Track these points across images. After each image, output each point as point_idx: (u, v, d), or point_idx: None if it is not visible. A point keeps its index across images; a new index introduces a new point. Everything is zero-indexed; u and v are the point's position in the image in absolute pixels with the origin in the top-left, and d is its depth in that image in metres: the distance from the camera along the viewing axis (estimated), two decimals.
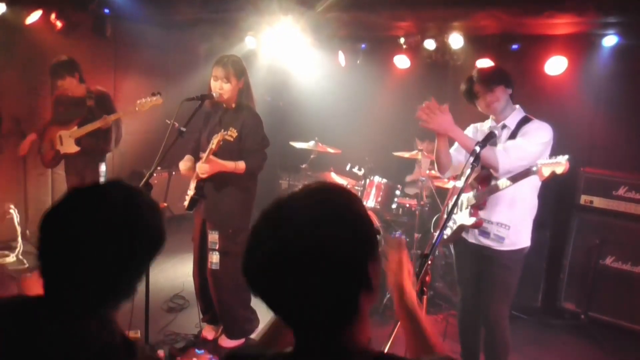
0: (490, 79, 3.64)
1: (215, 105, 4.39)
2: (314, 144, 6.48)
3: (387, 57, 7.16)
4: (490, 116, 3.81)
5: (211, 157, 4.09)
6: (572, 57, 5.72)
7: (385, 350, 2.24)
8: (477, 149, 3.29)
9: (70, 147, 5.65)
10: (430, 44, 6.37)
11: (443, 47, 6.30)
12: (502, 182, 3.52)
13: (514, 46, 6.04)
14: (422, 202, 5.84)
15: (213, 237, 4.36)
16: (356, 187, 6.51)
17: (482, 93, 3.67)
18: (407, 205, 6.15)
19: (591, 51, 5.73)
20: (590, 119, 5.83)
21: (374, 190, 6.20)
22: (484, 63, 6.16)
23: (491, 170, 3.61)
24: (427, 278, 2.48)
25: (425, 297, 2.46)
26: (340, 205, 1.26)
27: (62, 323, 1.38)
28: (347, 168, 6.45)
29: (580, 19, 5.05)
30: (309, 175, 7.01)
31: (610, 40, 5.51)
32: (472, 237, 3.82)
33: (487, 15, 5.25)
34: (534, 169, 3.33)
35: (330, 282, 1.18)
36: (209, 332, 4.75)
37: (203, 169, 4.13)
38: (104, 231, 1.40)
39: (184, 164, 4.44)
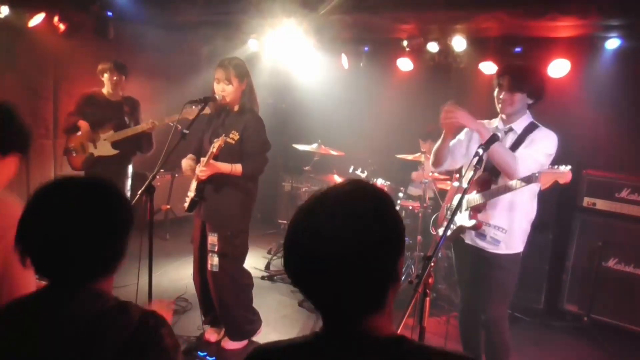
0: (517, 82, 3.59)
1: (218, 107, 4.39)
2: (317, 146, 6.49)
3: (390, 60, 7.16)
4: (500, 116, 3.80)
5: (210, 160, 4.10)
6: (575, 60, 5.72)
7: None
8: (480, 151, 3.29)
9: (106, 150, 5.66)
10: (433, 47, 6.37)
11: (446, 49, 6.31)
12: (516, 182, 3.49)
13: (517, 49, 6.04)
14: (424, 204, 5.84)
15: (212, 239, 4.37)
16: None
17: (503, 89, 3.64)
18: (410, 208, 6.16)
19: (594, 54, 5.74)
20: (593, 122, 5.82)
21: None
22: (488, 66, 6.18)
23: (498, 176, 3.64)
24: (430, 280, 2.48)
25: (428, 299, 2.46)
26: (378, 203, 1.34)
27: (58, 300, 1.53)
28: (350, 170, 6.45)
29: (582, 21, 5.06)
30: (311, 178, 7.02)
31: (613, 42, 5.53)
32: (468, 239, 3.84)
33: (489, 17, 5.26)
34: (536, 174, 3.32)
35: (366, 275, 1.27)
36: (211, 335, 4.75)
37: (201, 172, 4.15)
38: (87, 215, 1.55)
39: (186, 162, 4.45)
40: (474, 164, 3.22)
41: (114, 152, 5.67)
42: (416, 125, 6.79)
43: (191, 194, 4.39)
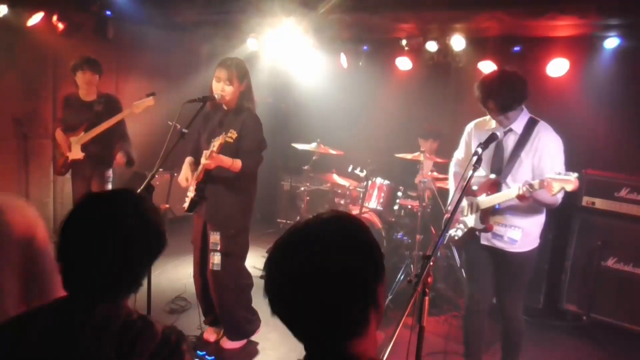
0: (504, 105, 3.57)
1: (214, 106, 4.39)
2: (316, 145, 6.48)
3: (389, 59, 7.16)
4: None
5: (213, 154, 4.09)
6: (574, 59, 5.72)
7: (387, 353, 2.25)
8: (479, 150, 3.30)
9: (77, 153, 5.53)
10: (432, 46, 6.37)
11: (445, 48, 6.31)
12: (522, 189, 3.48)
13: (516, 48, 6.04)
14: (424, 204, 5.84)
15: (214, 238, 4.37)
16: (358, 189, 6.52)
17: (492, 113, 3.65)
18: (409, 207, 6.16)
19: (593, 53, 5.73)
20: (592, 121, 5.82)
21: (376, 192, 6.21)
22: (488, 65, 6.17)
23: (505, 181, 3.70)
24: (429, 279, 2.48)
25: (427, 298, 2.46)
26: (355, 232, 1.37)
27: (86, 311, 1.58)
28: (349, 170, 6.45)
29: (582, 21, 5.06)
30: (311, 177, 7.01)
31: (611, 42, 5.53)
32: (484, 240, 3.87)
33: (489, 17, 5.26)
34: (545, 182, 3.32)
35: (346, 300, 1.29)
36: (210, 334, 4.75)
37: (206, 164, 4.13)
38: (117, 234, 1.62)
39: (184, 172, 4.48)
40: (473, 163, 3.23)
41: (82, 155, 5.52)
42: (415, 124, 6.80)
43: (191, 194, 4.40)
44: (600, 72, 5.72)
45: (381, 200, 6.18)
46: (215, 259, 4.39)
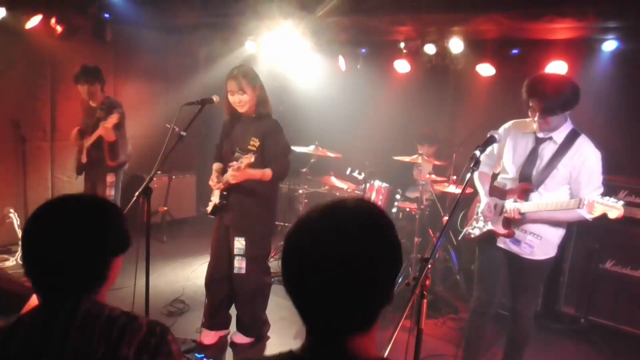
0: (548, 108, 3.48)
1: (234, 114, 4.45)
2: (314, 148, 6.48)
3: (387, 62, 7.16)
4: None
5: (241, 171, 4.14)
6: (572, 62, 5.72)
7: (385, 355, 2.25)
8: (477, 153, 3.29)
9: (84, 157, 5.76)
10: (430, 49, 6.36)
11: (443, 51, 6.30)
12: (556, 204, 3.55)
13: (514, 51, 6.05)
14: (422, 206, 5.84)
15: (240, 243, 4.45)
16: (356, 192, 6.52)
17: (534, 112, 3.56)
18: (407, 210, 6.16)
19: (591, 56, 5.74)
20: (590, 124, 5.79)
21: (374, 195, 6.21)
22: (486, 68, 6.17)
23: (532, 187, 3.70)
24: (427, 282, 2.47)
25: (425, 300, 2.46)
26: (384, 222, 1.33)
27: (70, 311, 1.63)
28: (347, 172, 6.44)
29: (580, 23, 5.06)
30: (309, 180, 7.01)
31: (609, 45, 5.53)
32: (501, 242, 3.87)
33: (487, 19, 5.26)
34: (584, 203, 3.33)
35: (365, 293, 1.25)
36: (206, 337, 4.74)
37: (233, 177, 4.17)
38: (81, 234, 1.67)
39: (213, 175, 4.54)
40: (471, 165, 3.22)
41: (86, 159, 5.76)
42: (413, 127, 6.80)
43: (215, 199, 4.49)
44: (599, 75, 5.72)
45: (379, 203, 6.18)
46: (240, 263, 4.49)
